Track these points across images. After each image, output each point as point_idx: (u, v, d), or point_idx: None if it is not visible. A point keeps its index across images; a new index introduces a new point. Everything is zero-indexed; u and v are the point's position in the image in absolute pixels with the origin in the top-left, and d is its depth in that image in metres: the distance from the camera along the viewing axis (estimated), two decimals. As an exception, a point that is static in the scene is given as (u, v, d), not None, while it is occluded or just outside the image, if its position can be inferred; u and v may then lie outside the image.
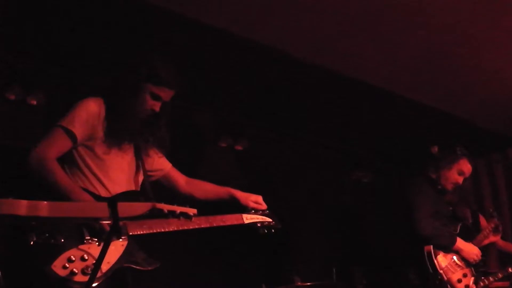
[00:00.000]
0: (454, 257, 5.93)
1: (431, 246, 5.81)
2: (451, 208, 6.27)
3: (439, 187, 6.14)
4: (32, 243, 3.40)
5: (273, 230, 4.52)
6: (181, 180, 4.59)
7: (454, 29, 6.28)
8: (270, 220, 4.47)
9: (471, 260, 5.97)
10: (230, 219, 4.31)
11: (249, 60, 6.72)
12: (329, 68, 7.00)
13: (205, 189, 4.59)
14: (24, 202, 2.78)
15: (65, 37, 5.92)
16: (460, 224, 6.18)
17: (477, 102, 7.98)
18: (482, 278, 6.06)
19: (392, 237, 6.72)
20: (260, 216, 4.44)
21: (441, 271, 5.76)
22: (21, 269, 3.52)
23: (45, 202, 2.85)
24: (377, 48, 6.66)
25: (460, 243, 5.94)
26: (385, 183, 9.35)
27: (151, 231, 3.79)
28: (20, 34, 5.99)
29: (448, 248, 5.89)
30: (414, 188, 6.12)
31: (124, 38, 5.88)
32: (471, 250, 6.00)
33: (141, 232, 3.76)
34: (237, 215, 4.37)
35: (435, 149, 6.25)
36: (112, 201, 2.91)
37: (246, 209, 4.46)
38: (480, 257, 6.04)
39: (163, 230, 3.82)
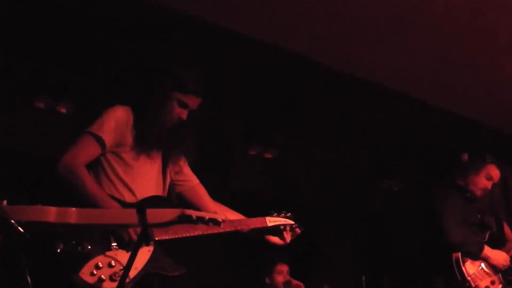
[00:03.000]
0: (482, 264, 5.88)
1: (459, 254, 5.77)
2: (479, 216, 6.23)
3: (468, 194, 6.10)
4: (59, 251, 3.43)
5: (297, 233, 4.49)
6: (207, 198, 4.50)
7: (482, 38, 6.27)
8: (293, 222, 4.44)
9: (500, 266, 5.92)
10: (254, 223, 4.30)
11: (280, 68, 6.74)
12: (360, 77, 7.02)
13: (228, 217, 4.48)
14: (53, 209, 2.80)
15: (93, 46, 5.97)
16: (488, 232, 6.13)
17: (507, 110, 7.94)
18: (510, 286, 6.01)
19: (420, 245, 6.68)
20: (283, 219, 4.42)
21: (469, 278, 5.72)
22: (49, 278, 3.53)
23: (74, 209, 2.86)
24: (407, 56, 6.66)
25: (487, 250, 5.90)
26: (414, 191, 9.30)
27: (176, 236, 3.79)
28: (50, 44, 6.05)
29: (476, 256, 5.85)
30: (443, 196, 6.08)
31: (152, 47, 5.92)
32: (500, 257, 5.96)
33: (167, 237, 3.77)
34: (260, 219, 4.34)
35: (465, 156, 6.21)
36: (141, 207, 2.90)
37: (269, 212, 4.44)
38: (508, 263, 5.99)
39: (188, 235, 3.83)
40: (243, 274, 8.09)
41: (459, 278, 5.73)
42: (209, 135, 6.94)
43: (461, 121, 8.19)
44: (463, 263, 5.76)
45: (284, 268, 7.36)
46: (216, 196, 4.53)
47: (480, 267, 5.86)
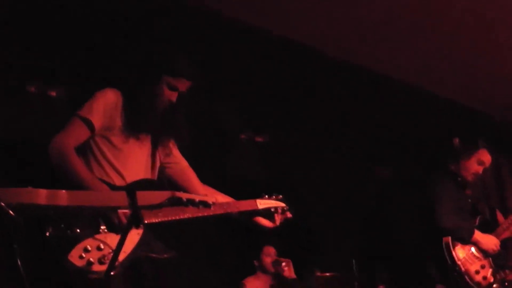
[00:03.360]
0: (472, 249, 5.91)
1: (449, 238, 5.80)
2: (470, 201, 6.25)
3: (460, 179, 6.12)
4: (48, 234, 3.42)
5: (288, 216, 4.49)
6: (196, 181, 4.49)
7: (477, 24, 6.27)
8: (284, 205, 4.44)
9: (490, 251, 5.95)
10: (244, 205, 4.30)
11: (271, 53, 6.72)
12: (349, 62, 7.00)
13: (217, 199, 4.46)
14: (43, 191, 2.78)
15: (83, 30, 5.95)
16: (479, 217, 6.16)
17: (500, 97, 7.95)
18: (500, 270, 6.04)
19: (412, 230, 6.70)
20: (274, 201, 4.42)
21: (459, 263, 5.75)
22: (38, 261, 3.53)
23: (64, 191, 2.84)
24: (400, 43, 6.66)
25: (478, 235, 5.92)
26: (406, 177, 9.32)
27: (166, 219, 3.76)
28: (40, 28, 6.02)
29: (466, 240, 5.87)
30: (435, 182, 6.10)
31: (142, 30, 5.89)
32: (490, 241, 5.98)
33: (157, 220, 3.76)
34: (251, 201, 4.34)
35: (456, 141, 6.22)
36: (131, 190, 2.89)
37: (260, 195, 4.43)
38: (498, 248, 6.01)
39: (178, 218, 3.81)
40: (233, 258, 8.11)
41: (449, 262, 5.75)
42: (201, 119, 6.93)
43: (454, 107, 8.20)
44: (453, 248, 5.79)
45: (271, 250, 7.40)
46: (208, 179, 4.52)
47: (470, 251, 5.88)
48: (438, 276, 5.89)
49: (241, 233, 6.55)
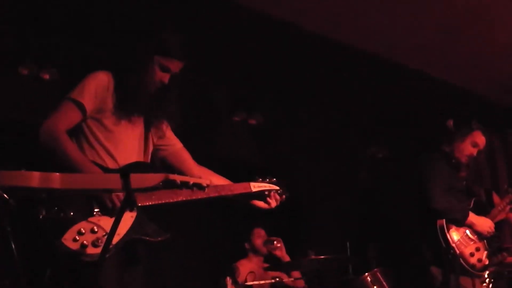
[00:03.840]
0: (467, 231, 5.91)
1: (444, 220, 5.80)
2: (465, 183, 6.25)
3: (454, 161, 6.12)
4: (41, 217, 3.41)
5: (282, 199, 4.48)
6: (191, 162, 4.48)
7: (470, 4, 6.25)
8: (278, 188, 4.43)
9: (485, 233, 5.95)
10: (238, 188, 4.29)
11: (263, 34, 6.71)
12: (344, 42, 6.99)
13: (212, 181, 4.28)
14: (36, 174, 2.77)
15: (76, 12, 5.92)
16: (473, 199, 6.16)
17: (493, 77, 7.96)
18: (496, 253, 6.05)
19: (406, 212, 6.71)
20: (268, 184, 4.40)
21: (453, 245, 5.75)
22: (31, 244, 3.52)
23: (57, 174, 2.83)
24: (393, 22, 6.63)
25: (472, 217, 5.92)
26: (400, 158, 9.33)
27: (160, 202, 3.76)
28: (32, 10, 6.00)
29: (461, 223, 5.87)
30: (429, 163, 6.09)
31: (135, 11, 5.87)
32: (484, 223, 5.98)
33: (150, 203, 3.75)
34: (244, 184, 4.32)
35: (450, 123, 6.21)
36: (125, 173, 2.88)
37: (254, 178, 4.42)
38: (493, 230, 6.01)
39: (172, 201, 3.81)
40: (225, 240, 8.14)
41: (443, 245, 5.76)
42: (194, 101, 6.92)
43: (449, 87, 8.19)
44: (448, 230, 5.79)
45: (261, 232, 7.42)
46: (201, 162, 4.51)
47: (465, 234, 5.89)
48: (433, 258, 5.89)
49: (232, 216, 6.55)
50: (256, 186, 4.35)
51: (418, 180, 6.03)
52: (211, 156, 6.47)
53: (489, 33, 6.93)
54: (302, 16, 6.46)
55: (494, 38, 7.05)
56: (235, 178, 4.39)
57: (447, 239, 5.76)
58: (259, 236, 7.40)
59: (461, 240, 5.82)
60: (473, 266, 5.81)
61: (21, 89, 6.51)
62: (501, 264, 6.14)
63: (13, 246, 2.81)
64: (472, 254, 5.81)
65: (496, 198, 6.62)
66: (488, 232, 5.97)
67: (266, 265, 7.33)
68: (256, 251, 7.40)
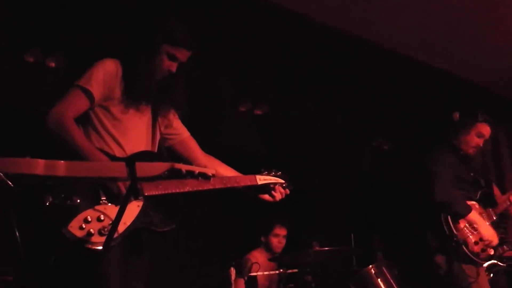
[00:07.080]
0: (472, 220, 5.90)
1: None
2: (472, 174, 6.24)
3: (461, 153, 6.11)
4: (48, 204, 3.41)
5: (287, 192, 4.48)
6: (198, 151, 4.49)
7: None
8: (283, 181, 4.43)
9: (486, 241, 5.89)
10: (244, 180, 4.28)
11: (270, 24, 6.69)
12: (349, 33, 6.98)
13: (219, 171, 4.33)
14: (41, 162, 2.76)
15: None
16: (480, 191, 6.15)
17: (499, 69, 7.94)
18: (498, 245, 6.03)
19: (411, 203, 6.70)
20: (273, 177, 4.40)
21: (457, 233, 5.74)
22: (37, 231, 3.52)
23: (63, 161, 2.81)
24: (399, 13, 6.62)
25: (474, 215, 5.87)
26: (406, 150, 9.32)
27: (166, 192, 3.75)
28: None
29: (462, 216, 5.83)
30: (435, 155, 6.08)
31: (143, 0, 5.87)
32: (488, 231, 5.91)
33: (157, 193, 3.74)
34: (250, 176, 4.32)
35: (456, 115, 6.20)
36: (130, 161, 2.87)
37: (260, 170, 4.42)
38: (497, 241, 5.97)
39: (178, 191, 3.79)
40: (236, 231, 8.13)
41: (447, 233, 5.75)
42: (200, 91, 6.92)
43: (454, 79, 8.18)
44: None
45: (282, 231, 7.39)
46: (206, 152, 4.50)
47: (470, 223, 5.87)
48: (437, 247, 5.88)
49: (249, 207, 6.55)
50: (262, 179, 4.35)
51: (424, 171, 6.01)
52: (216, 146, 6.47)
53: (495, 25, 6.91)
54: (308, 6, 6.45)
55: (500, 30, 7.03)
56: (240, 168, 4.40)
57: (451, 227, 5.75)
58: (277, 236, 7.36)
59: (465, 228, 5.81)
60: (477, 254, 5.79)
61: (27, 77, 6.51)
62: (501, 258, 6.13)
63: (17, 233, 2.80)
64: (476, 243, 5.80)
65: (496, 190, 6.61)
66: (490, 241, 5.90)
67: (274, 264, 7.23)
68: (269, 248, 7.37)
